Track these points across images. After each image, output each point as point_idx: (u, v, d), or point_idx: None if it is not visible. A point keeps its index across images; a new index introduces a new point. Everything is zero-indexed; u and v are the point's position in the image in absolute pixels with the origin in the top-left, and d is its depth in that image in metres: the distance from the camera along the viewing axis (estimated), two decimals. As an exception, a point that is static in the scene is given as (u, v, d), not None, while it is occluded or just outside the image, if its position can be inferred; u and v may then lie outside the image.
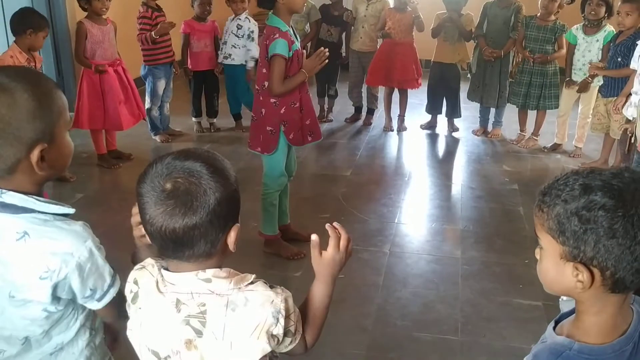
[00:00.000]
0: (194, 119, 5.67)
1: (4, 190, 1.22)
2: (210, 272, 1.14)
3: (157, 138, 5.32)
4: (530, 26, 5.05)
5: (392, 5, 5.63)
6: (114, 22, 4.67)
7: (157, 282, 1.17)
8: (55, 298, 1.26)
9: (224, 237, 1.15)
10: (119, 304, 1.37)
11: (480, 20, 5.35)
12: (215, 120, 5.71)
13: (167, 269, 1.18)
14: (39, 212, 1.24)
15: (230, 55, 5.39)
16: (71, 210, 1.28)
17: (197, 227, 1.09)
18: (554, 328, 1.12)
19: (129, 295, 1.24)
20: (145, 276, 1.20)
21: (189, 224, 1.08)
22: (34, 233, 1.22)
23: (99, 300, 1.32)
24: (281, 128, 3.23)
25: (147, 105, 5.19)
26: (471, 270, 3.37)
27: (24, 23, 4.00)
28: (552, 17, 5.00)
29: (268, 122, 3.24)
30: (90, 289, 1.29)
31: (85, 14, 4.54)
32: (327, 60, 3.23)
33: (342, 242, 1.29)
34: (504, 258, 3.49)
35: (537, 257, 1.10)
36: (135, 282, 1.22)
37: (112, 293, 1.33)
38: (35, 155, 1.20)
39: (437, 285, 3.23)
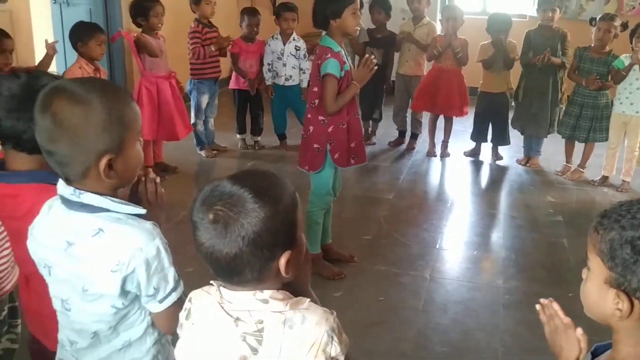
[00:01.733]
0: (238, 135, 5.75)
1: (82, 192, 1.30)
2: (267, 293, 1.14)
3: (202, 153, 5.42)
4: (584, 58, 4.97)
5: (439, 29, 5.65)
6: (162, 36, 4.81)
7: (216, 299, 1.18)
8: (123, 292, 1.32)
9: (275, 263, 1.13)
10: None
11: (524, 49, 5.28)
12: (259, 138, 5.78)
13: (224, 286, 1.19)
14: (114, 211, 1.31)
15: (291, 76, 5.48)
16: (142, 211, 1.35)
17: (238, 258, 1.09)
18: None
19: (182, 314, 1.25)
20: (202, 295, 1.20)
21: (229, 254, 1.08)
22: (108, 230, 1.30)
23: (161, 302, 1.36)
24: (327, 147, 3.27)
25: (192, 120, 5.31)
26: (512, 300, 3.32)
27: (73, 38, 4.16)
28: (607, 49, 4.93)
29: (315, 139, 3.28)
30: (154, 288, 1.34)
31: (139, 30, 4.69)
32: (376, 67, 3.24)
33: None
34: (547, 290, 3.41)
35: (583, 277, 1.10)
36: (190, 300, 1.24)
37: (174, 297, 1.37)
38: (102, 164, 1.27)
39: (477, 313, 3.19)
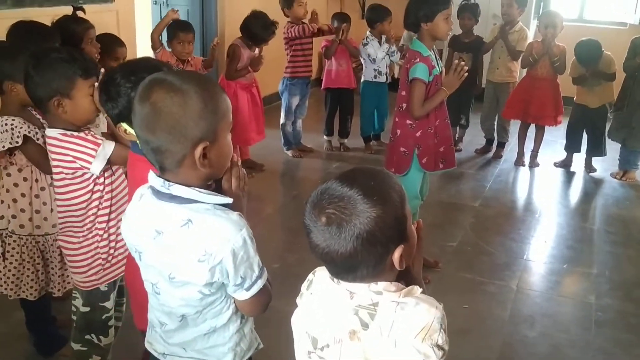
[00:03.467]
0: (325, 137, 5.80)
1: (171, 183, 1.34)
2: (381, 286, 1.16)
3: (289, 153, 5.50)
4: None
5: (531, 36, 5.48)
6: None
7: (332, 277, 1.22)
8: (209, 282, 1.36)
9: (389, 258, 1.15)
10: (264, 299, 1.45)
11: (628, 55, 5.03)
12: (346, 140, 5.80)
13: None
14: (201, 202, 1.34)
15: (386, 74, 5.59)
16: (229, 200, 1.38)
17: (353, 257, 1.11)
18: None
19: (305, 285, 1.30)
20: (324, 270, 1.24)
21: (345, 254, 1.11)
22: (196, 220, 1.33)
23: (248, 289, 1.39)
24: (415, 151, 3.25)
25: (281, 120, 5.42)
26: (605, 318, 3.18)
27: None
28: None
29: (402, 143, 3.28)
30: (241, 277, 1.37)
31: (237, 36, 4.79)
32: (466, 74, 3.20)
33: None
34: (643, 309, 3.26)
35: None
36: (314, 273, 1.29)
37: (260, 284, 1.40)
38: (198, 152, 1.30)
39: (567, 329, 3.08)
